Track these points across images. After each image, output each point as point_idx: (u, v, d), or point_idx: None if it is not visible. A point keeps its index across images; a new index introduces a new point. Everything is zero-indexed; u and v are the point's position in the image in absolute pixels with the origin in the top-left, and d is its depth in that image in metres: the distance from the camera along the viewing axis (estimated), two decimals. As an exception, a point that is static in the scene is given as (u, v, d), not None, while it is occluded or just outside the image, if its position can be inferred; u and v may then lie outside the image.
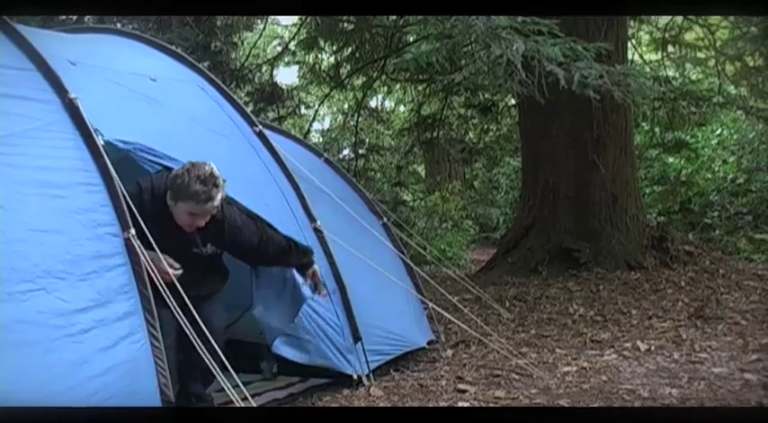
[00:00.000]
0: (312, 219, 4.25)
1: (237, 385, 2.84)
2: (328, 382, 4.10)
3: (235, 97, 4.47)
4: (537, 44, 4.72)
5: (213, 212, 3.26)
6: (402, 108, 14.52)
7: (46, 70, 3.17)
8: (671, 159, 10.60)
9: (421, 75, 9.22)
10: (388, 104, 15.15)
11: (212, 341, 2.86)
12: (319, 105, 11.42)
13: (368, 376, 4.23)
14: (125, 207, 2.98)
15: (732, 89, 9.55)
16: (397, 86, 11.52)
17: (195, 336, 2.78)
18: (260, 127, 4.32)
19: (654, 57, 9.86)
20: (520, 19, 4.83)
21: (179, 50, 4.71)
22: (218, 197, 3.21)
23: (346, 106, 13.38)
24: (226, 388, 2.69)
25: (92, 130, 3.06)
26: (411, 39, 8.44)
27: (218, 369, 2.72)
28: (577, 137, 7.26)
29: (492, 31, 4.62)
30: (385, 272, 4.41)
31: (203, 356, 2.75)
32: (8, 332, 2.50)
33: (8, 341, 2.49)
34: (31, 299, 2.60)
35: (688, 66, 9.82)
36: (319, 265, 4.15)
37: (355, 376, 4.11)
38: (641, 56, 9.80)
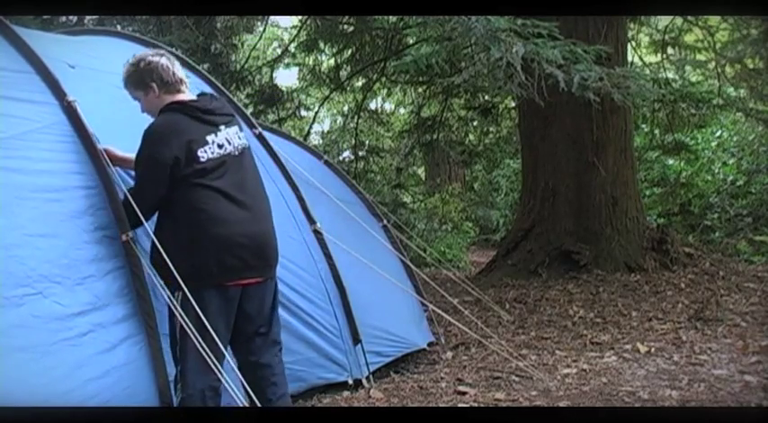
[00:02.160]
0: (312, 221, 4.25)
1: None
2: (328, 384, 4.10)
3: (234, 99, 4.47)
4: (536, 46, 4.72)
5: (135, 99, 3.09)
6: (402, 110, 14.55)
7: (44, 73, 3.17)
8: (671, 161, 10.60)
9: (421, 77, 9.23)
10: (388, 106, 15.18)
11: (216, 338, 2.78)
12: (319, 107, 11.43)
13: (368, 378, 4.23)
14: (124, 209, 2.98)
15: (732, 91, 9.56)
16: (397, 88, 11.53)
17: (194, 331, 2.72)
18: (259, 129, 4.33)
19: (653, 59, 9.87)
20: (520, 22, 4.84)
21: (179, 53, 4.71)
22: (124, 81, 3.05)
23: (346, 108, 13.41)
24: (229, 388, 2.67)
25: (90, 133, 3.06)
26: (411, 41, 8.44)
27: (221, 368, 2.70)
28: (577, 139, 7.27)
29: (491, 33, 4.63)
30: (385, 274, 4.42)
31: (205, 355, 2.72)
32: (5, 336, 2.51)
33: (6, 345, 2.50)
34: (27, 303, 2.60)
35: (688, 68, 9.82)
36: (319, 268, 4.16)
37: (350, 381, 4.11)
38: (641, 58, 9.80)
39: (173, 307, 2.77)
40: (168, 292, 2.80)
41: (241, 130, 3.09)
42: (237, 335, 2.96)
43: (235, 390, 2.69)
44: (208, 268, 2.80)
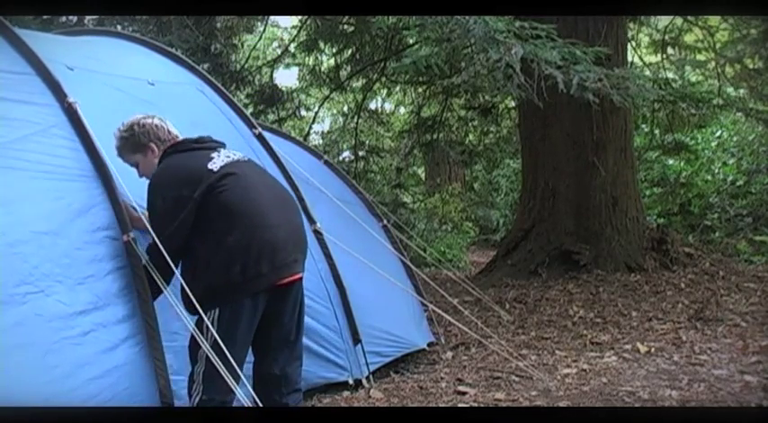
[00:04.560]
0: (312, 221, 4.25)
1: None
2: (328, 384, 4.10)
3: (234, 100, 4.48)
4: (535, 47, 4.73)
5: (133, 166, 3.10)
6: (402, 110, 14.55)
7: (45, 74, 3.18)
8: (671, 161, 10.61)
9: (420, 77, 9.24)
10: (388, 106, 15.18)
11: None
12: (319, 107, 11.44)
13: (368, 378, 4.23)
14: (125, 210, 2.99)
15: (732, 91, 9.56)
16: (397, 88, 11.54)
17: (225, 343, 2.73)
18: (259, 129, 4.34)
19: (653, 59, 9.87)
20: (518, 23, 4.85)
21: (179, 53, 4.72)
22: (119, 149, 3.07)
23: (346, 108, 13.41)
24: (234, 388, 2.68)
25: (91, 134, 3.07)
26: (411, 41, 8.45)
27: (223, 368, 2.71)
28: (577, 139, 7.27)
29: (490, 35, 4.63)
30: (385, 274, 4.42)
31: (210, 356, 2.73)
32: (8, 335, 2.52)
33: (9, 343, 2.51)
34: (30, 301, 2.61)
35: (688, 68, 9.83)
36: (319, 268, 4.16)
37: (351, 382, 4.11)
38: (641, 58, 9.81)
39: (207, 323, 2.74)
40: (201, 311, 2.75)
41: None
42: (266, 343, 2.97)
43: (237, 389, 2.70)
44: (257, 270, 2.77)
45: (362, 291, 4.39)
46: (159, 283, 2.90)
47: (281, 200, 3.03)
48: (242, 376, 2.76)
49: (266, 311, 2.88)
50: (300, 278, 2.98)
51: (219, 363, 2.66)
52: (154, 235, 2.84)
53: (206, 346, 2.70)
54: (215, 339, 2.70)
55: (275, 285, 2.84)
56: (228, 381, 2.65)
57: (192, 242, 2.82)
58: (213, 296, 2.77)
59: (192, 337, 2.80)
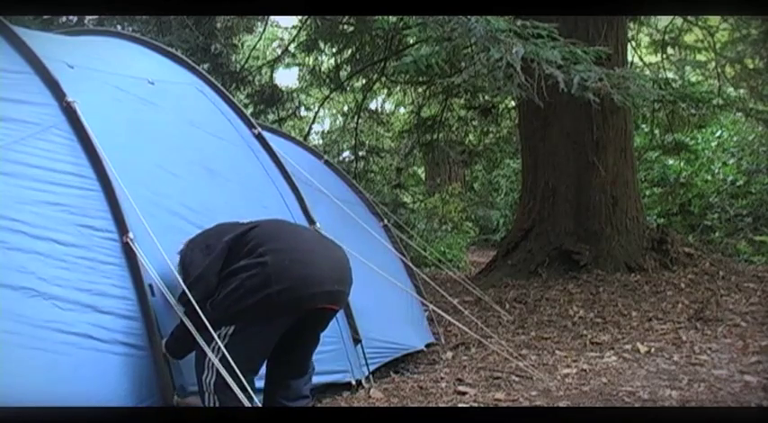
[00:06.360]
0: (311, 221, 4.24)
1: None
2: (328, 384, 4.10)
3: (234, 100, 4.47)
4: (536, 47, 4.73)
5: None
6: (402, 110, 14.56)
7: (44, 73, 3.17)
8: (671, 161, 10.62)
9: (421, 77, 9.24)
10: (388, 106, 15.19)
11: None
12: (319, 107, 11.45)
13: (368, 378, 4.23)
14: (123, 211, 2.99)
15: (732, 91, 9.56)
16: (397, 88, 11.54)
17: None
18: (259, 129, 4.33)
19: (653, 59, 9.88)
20: (519, 23, 4.85)
21: (178, 53, 4.71)
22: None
23: (346, 108, 13.43)
24: (234, 388, 2.68)
25: (90, 134, 3.06)
26: (411, 41, 8.45)
27: (221, 366, 2.72)
28: (577, 139, 7.27)
29: (491, 34, 4.63)
30: (385, 274, 4.41)
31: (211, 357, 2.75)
32: (10, 335, 2.53)
33: (11, 343, 2.52)
34: (31, 302, 2.62)
35: (688, 68, 9.84)
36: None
37: (353, 382, 4.10)
38: (641, 58, 9.82)
39: (219, 342, 2.76)
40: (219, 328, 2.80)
41: None
42: (280, 355, 3.02)
43: (237, 389, 2.70)
44: (295, 293, 2.81)
45: (362, 291, 4.35)
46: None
47: (317, 236, 3.22)
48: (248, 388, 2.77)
49: (292, 331, 2.94)
50: (335, 310, 3.06)
51: (230, 377, 2.69)
52: (186, 289, 2.84)
53: (217, 362, 2.73)
54: (237, 353, 2.74)
55: (310, 309, 2.90)
56: (239, 394, 2.67)
57: (226, 276, 2.86)
58: (244, 312, 2.80)
59: (201, 355, 2.82)
